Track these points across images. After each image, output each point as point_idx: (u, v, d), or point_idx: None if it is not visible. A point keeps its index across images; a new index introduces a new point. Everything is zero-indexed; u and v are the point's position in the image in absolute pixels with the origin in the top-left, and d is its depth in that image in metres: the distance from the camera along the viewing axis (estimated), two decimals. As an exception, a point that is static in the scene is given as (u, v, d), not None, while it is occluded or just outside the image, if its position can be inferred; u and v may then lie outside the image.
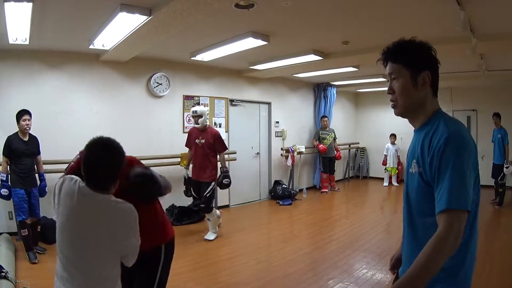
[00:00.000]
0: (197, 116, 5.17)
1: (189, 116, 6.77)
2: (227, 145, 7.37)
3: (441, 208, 1.23)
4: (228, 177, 5.26)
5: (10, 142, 4.24)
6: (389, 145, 9.77)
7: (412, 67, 1.41)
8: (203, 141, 5.15)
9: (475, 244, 1.37)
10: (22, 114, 4.34)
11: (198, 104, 6.93)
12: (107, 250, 1.67)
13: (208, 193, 5.14)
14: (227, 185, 5.32)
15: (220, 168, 5.30)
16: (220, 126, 7.26)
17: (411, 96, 1.41)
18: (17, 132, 4.32)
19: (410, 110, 1.44)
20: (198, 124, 5.19)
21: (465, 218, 1.23)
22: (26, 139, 4.36)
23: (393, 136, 9.70)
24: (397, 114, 1.49)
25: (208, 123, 5.39)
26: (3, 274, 3.16)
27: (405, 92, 1.42)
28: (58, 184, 1.78)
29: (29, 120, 4.35)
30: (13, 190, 4.20)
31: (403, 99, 1.43)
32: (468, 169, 1.26)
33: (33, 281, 3.27)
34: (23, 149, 4.30)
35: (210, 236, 5.30)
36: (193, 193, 5.43)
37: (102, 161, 1.68)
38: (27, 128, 4.34)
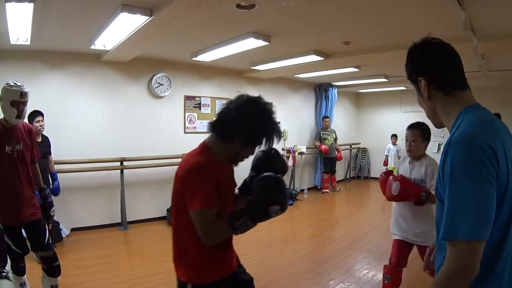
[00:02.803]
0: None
1: (190, 116, 6.78)
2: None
3: (440, 237, 1.05)
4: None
5: None
6: (390, 145, 9.76)
7: (412, 81, 1.32)
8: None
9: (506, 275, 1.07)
10: (35, 115, 4.37)
11: (200, 104, 6.93)
12: None
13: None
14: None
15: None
16: (221, 127, 7.23)
17: (425, 107, 1.30)
18: None
19: (435, 120, 1.29)
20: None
21: (474, 248, 0.98)
22: (39, 140, 4.38)
23: (394, 136, 9.68)
24: (435, 127, 1.37)
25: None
26: (4, 274, 3.15)
27: (421, 105, 1.32)
28: None
29: (42, 121, 4.40)
30: None
31: (425, 112, 1.32)
32: (476, 183, 1.00)
33: (33, 281, 3.27)
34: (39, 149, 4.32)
35: None
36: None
37: None
38: (41, 129, 4.38)
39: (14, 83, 2.78)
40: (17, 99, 2.76)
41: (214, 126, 1.85)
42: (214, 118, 1.85)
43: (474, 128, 1.08)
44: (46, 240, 2.97)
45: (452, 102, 1.21)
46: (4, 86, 2.77)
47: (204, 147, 1.85)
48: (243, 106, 1.78)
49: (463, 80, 1.23)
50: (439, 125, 1.30)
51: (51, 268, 2.99)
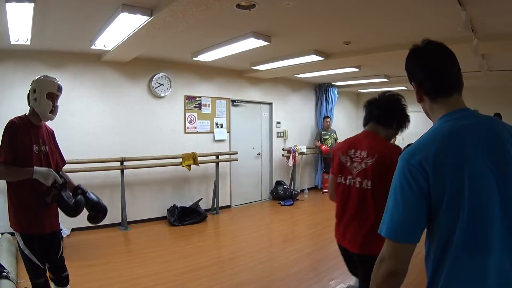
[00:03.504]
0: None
1: (190, 116, 6.78)
2: (228, 146, 7.46)
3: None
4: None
5: None
6: None
7: (410, 82, 1.39)
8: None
9: (454, 273, 1.12)
10: None
11: (200, 104, 6.94)
12: None
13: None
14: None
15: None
16: (221, 127, 7.26)
17: (423, 110, 1.36)
18: None
19: (431, 120, 1.34)
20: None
21: (395, 247, 1.14)
22: None
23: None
24: None
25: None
26: (5, 274, 3.16)
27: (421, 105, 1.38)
28: None
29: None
30: None
31: None
32: (397, 193, 1.16)
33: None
34: None
35: None
36: None
37: None
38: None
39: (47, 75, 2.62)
40: (55, 91, 2.61)
41: (378, 117, 2.29)
42: (373, 112, 2.32)
43: (417, 146, 1.20)
44: (61, 252, 2.74)
45: (436, 107, 1.28)
46: (39, 78, 2.58)
47: (373, 134, 2.30)
48: (394, 101, 2.28)
49: (449, 84, 1.27)
50: None
51: (60, 279, 2.73)
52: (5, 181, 2.49)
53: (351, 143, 2.35)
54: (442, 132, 1.20)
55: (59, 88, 2.64)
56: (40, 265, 2.53)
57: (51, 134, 2.78)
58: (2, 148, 2.37)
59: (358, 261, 2.27)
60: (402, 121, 2.28)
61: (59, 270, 2.72)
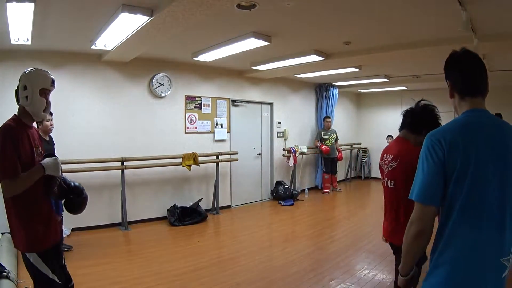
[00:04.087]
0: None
1: (191, 116, 6.79)
2: (228, 146, 7.47)
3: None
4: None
5: None
6: None
7: (446, 80, 1.61)
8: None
9: (468, 241, 1.37)
10: None
11: (200, 104, 6.94)
12: None
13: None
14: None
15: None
16: (222, 127, 7.26)
17: (453, 105, 1.60)
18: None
19: (457, 113, 1.57)
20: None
21: (420, 209, 1.41)
22: (47, 138, 4.34)
23: (390, 137, 9.62)
24: None
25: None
26: (5, 274, 3.16)
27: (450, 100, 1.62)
28: None
29: (51, 119, 4.29)
30: None
31: None
32: (424, 163, 1.43)
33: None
34: (47, 148, 4.24)
35: None
36: None
37: None
38: (52, 128, 4.27)
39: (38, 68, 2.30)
40: (48, 87, 2.26)
41: (409, 124, 2.55)
42: (406, 120, 2.59)
43: (440, 128, 1.50)
44: (64, 259, 2.50)
45: (463, 104, 1.53)
46: (29, 71, 2.24)
47: (402, 139, 2.60)
48: (424, 110, 2.51)
49: (476, 88, 1.52)
50: None
51: None
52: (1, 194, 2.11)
53: (387, 149, 2.70)
54: (461, 123, 1.47)
55: (53, 83, 2.30)
56: (61, 283, 2.25)
57: (37, 132, 2.46)
58: (7, 160, 2.03)
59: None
60: (430, 128, 2.33)
61: (67, 281, 2.44)
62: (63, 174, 2.48)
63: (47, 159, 2.21)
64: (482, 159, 1.37)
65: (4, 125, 2.10)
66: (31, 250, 2.14)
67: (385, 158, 2.60)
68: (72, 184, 2.47)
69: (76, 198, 2.49)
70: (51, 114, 4.17)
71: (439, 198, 1.40)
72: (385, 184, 2.58)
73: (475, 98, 1.50)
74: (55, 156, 2.27)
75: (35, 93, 2.19)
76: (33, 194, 2.14)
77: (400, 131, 2.66)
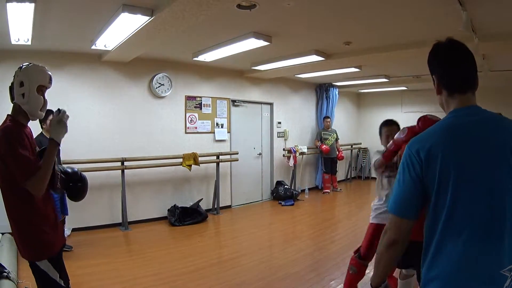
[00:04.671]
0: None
1: (191, 116, 6.79)
2: (228, 146, 7.46)
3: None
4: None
5: (41, 143, 4.09)
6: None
7: (431, 75, 1.47)
8: None
9: (456, 254, 1.25)
10: (48, 113, 4.28)
11: (200, 104, 6.94)
12: None
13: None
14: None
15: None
16: (222, 127, 7.26)
17: (439, 100, 1.46)
18: (41, 132, 4.26)
19: (445, 112, 1.44)
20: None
21: (396, 220, 1.35)
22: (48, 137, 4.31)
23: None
24: None
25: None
26: (5, 274, 3.16)
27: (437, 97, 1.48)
28: None
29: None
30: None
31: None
32: (401, 175, 1.35)
33: (35, 282, 3.27)
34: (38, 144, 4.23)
35: None
36: None
37: None
38: None
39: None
40: (46, 84, 2.13)
41: None
42: None
43: (420, 136, 1.37)
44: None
45: (451, 102, 1.38)
46: (26, 66, 2.12)
47: None
48: None
49: (465, 83, 1.37)
50: None
51: None
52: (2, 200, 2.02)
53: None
54: (443, 127, 1.35)
55: (51, 80, 2.17)
56: (65, 287, 2.17)
57: (31, 130, 2.24)
58: (22, 159, 1.92)
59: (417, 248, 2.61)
60: None
61: (67, 282, 2.29)
62: (60, 165, 2.44)
63: (55, 129, 2.10)
64: (467, 166, 1.25)
65: (5, 128, 1.97)
66: (42, 257, 2.05)
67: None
68: (70, 170, 2.40)
69: (76, 184, 2.42)
70: (53, 113, 4.13)
71: (415, 211, 1.33)
72: None
73: (464, 94, 1.36)
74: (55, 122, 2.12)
75: (32, 90, 2.03)
76: (40, 197, 2.03)
77: None
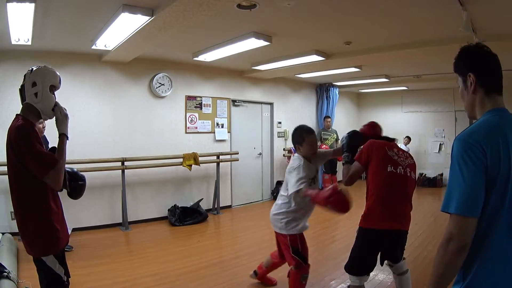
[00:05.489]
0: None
1: (191, 116, 6.79)
2: (229, 146, 7.46)
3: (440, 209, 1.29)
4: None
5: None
6: (402, 146, 9.71)
7: (460, 73, 1.46)
8: None
9: (495, 256, 1.24)
10: None
11: (201, 104, 6.94)
12: None
13: None
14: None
15: None
16: (222, 127, 7.26)
17: (467, 99, 1.45)
18: None
19: (471, 112, 1.45)
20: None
21: (463, 222, 1.22)
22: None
23: (406, 138, 9.70)
24: (468, 117, 1.53)
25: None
26: (5, 274, 3.16)
27: (462, 96, 1.48)
28: None
29: (44, 121, 4.23)
30: None
31: (463, 103, 1.49)
32: (463, 169, 1.24)
33: (35, 281, 3.27)
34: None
35: None
36: None
37: None
38: (44, 130, 4.25)
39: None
40: (56, 84, 2.24)
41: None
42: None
43: (472, 129, 1.31)
44: None
45: (487, 101, 1.38)
46: (38, 68, 2.20)
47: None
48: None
49: (500, 86, 1.42)
50: (472, 117, 1.46)
51: None
52: (9, 192, 2.10)
53: (394, 145, 2.93)
54: (493, 123, 1.32)
55: (60, 81, 2.29)
56: (68, 284, 2.21)
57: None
58: (40, 153, 2.00)
59: (402, 238, 2.88)
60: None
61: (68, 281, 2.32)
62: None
63: (59, 121, 2.21)
64: None
65: (20, 126, 2.01)
66: (49, 252, 2.09)
67: (400, 153, 2.85)
68: (70, 170, 2.46)
69: (77, 183, 2.48)
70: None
71: (481, 207, 1.23)
72: (408, 174, 2.77)
73: (499, 95, 1.39)
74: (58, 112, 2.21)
75: (45, 89, 2.14)
76: (51, 192, 2.12)
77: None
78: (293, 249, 3.14)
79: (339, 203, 2.72)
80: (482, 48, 1.44)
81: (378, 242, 2.83)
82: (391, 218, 2.73)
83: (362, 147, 2.96)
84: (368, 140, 2.93)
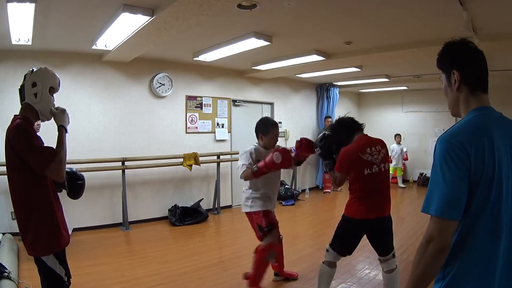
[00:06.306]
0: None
1: (191, 116, 6.78)
2: (229, 146, 7.46)
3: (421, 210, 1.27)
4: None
5: None
6: (394, 145, 9.74)
7: (443, 70, 1.44)
8: None
9: (477, 257, 1.24)
10: None
11: (201, 104, 6.94)
12: None
13: None
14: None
15: None
16: (222, 127, 7.26)
17: (450, 97, 1.42)
18: None
19: (454, 110, 1.43)
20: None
21: (442, 224, 1.20)
22: None
23: (398, 136, 9.72)
24: (451, 114, 1.50)
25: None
26: (6, 274, 3.16)
27: (445, 93, 1.45)
28: None
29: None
30: None
31: (447, 100, 1.45)
32: (444, 171, 1.21)
33: (35, 281, 3.27)
34: None
35: None
36: None
37: None
38: (39, 129, 4.26)
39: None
40: (56, 86, 2.28)
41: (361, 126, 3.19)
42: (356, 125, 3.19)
43: (456, 129, 1.28)
44: None
45: (472, 100, 1.35)
46: (38, 69, 2.24)
47: (366, 135, 3.14)
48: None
49: (486, 84, 1.38)
50: (456, 115, 1.43)
51: None
52: (9, 192, 2.11)
53: (368, 143, 3.01)
54: (478, 122, 1.29)
55: (59, 84, 2.34)
56: (68, 284, 2.22)
57: None
58: (40, 148, 2.05)
59: (384, 223, 3.03)
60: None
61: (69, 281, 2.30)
62: None
63: (60, 115, 2.26)
64: (503, 161, 1.24)
65: (17, 125, 2.03)
66: (50, 252, 2.10)
67: (373, 150, 2.96)
68: (69, 170, 2.47)
69: (76, 183, 2.52)
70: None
71: (462, 210, 1.21)
72: (382, 169, 2.97)
73: (484, 94, 1.36)
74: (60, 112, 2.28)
75: (44, 90, 2.17)
76: (52, 192, 2.14)
77: (356, 133, 3.08)
78: (258, 226, 3.53)
79: (283, 155, 3.08)
80: (468, 44, 1.40)
81: (358, 230, 3.06)
82: (371, 209, 2.94)
83: (337, 156, 3.12)
84: (341, 149, 3.06)
